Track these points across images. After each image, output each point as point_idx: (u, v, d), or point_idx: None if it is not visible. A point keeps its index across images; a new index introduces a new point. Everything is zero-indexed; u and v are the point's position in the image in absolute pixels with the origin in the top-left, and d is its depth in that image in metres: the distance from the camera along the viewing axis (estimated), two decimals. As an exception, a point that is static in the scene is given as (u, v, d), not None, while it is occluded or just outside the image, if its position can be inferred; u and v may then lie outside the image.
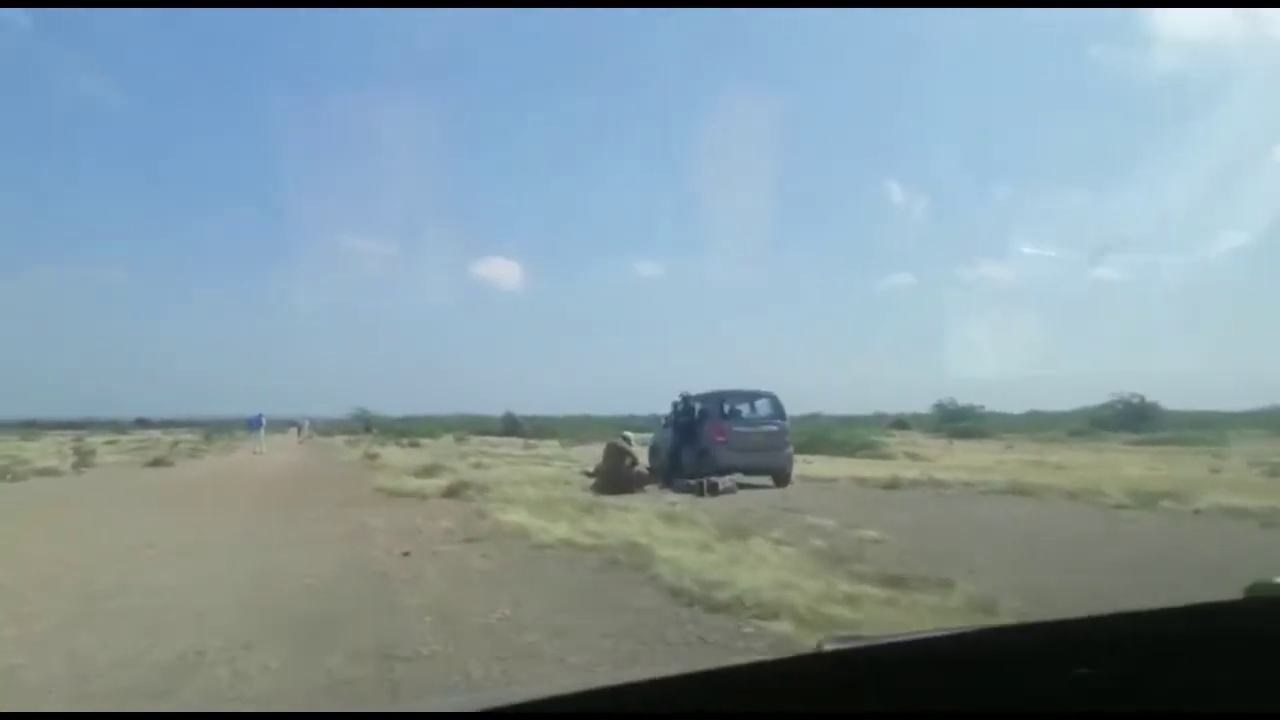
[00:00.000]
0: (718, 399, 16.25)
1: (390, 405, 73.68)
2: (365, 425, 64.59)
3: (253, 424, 36.16)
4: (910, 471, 17.99)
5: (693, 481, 13.92)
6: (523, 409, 67.43)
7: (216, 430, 59.72)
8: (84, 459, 23.08)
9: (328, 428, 69.33)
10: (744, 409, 16.32)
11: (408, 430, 53.20)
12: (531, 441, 41.52)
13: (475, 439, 51.01)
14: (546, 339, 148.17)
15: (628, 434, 15.48)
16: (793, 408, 17.39)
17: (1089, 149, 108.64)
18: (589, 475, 17.83)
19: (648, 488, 14.10)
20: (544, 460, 25.81)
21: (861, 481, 16.06)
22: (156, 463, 24.11)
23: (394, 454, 28.27)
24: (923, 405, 64.66)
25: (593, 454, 27.37)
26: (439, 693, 3.83)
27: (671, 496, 13.19)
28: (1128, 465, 22.31)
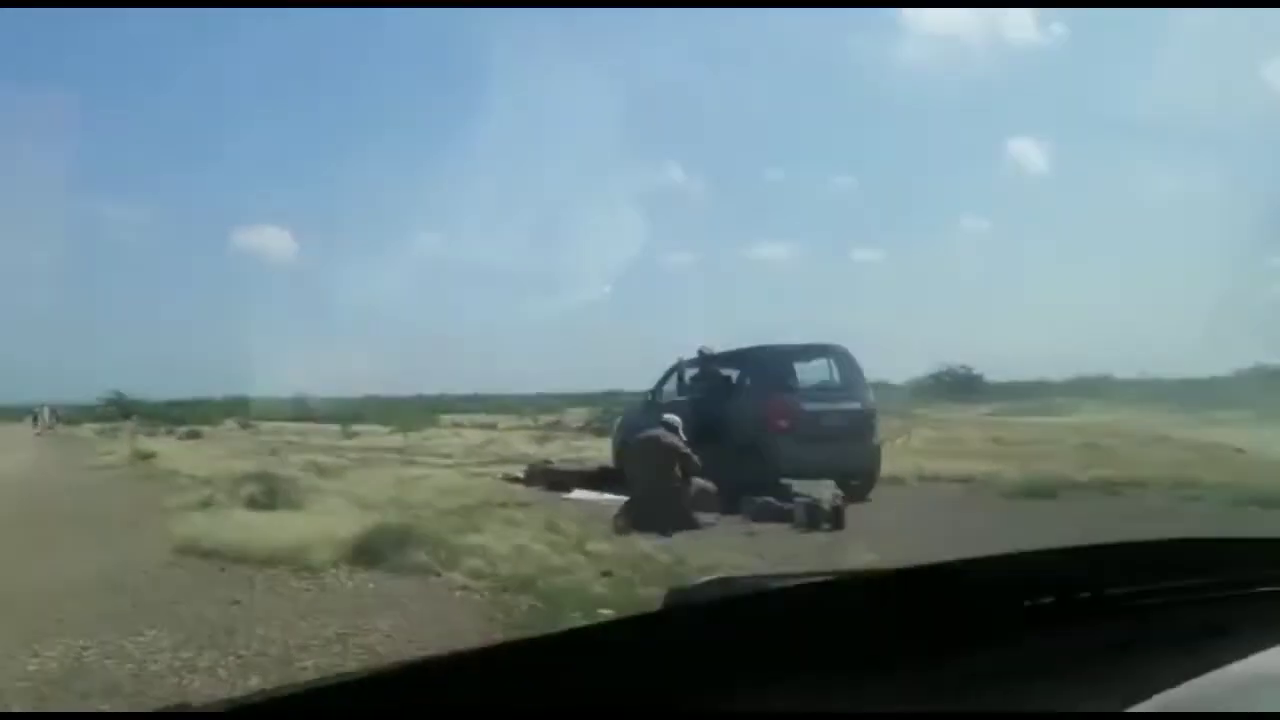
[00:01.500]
0: (771, 359, 10.32)
1: (152, 389, 60.76)
2: (123, 412, 52.69)
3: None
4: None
5: (783, 503, 8.04)
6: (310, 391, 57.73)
7: None
8: None
9: (75, 415, 56.37)
10: (807, 375, 10.49)
11: (180, 416, 43.39)
12: (353, 429, 33.26)
13: (265, 425, 42.03)
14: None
15: (672, 418, 8.81)
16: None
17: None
18: (517, 481, 12.10)
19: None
20: (405, 456, 18.79)
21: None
22: None
23: (174, 450, 19.78)
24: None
25: (475, 446, 21.60)
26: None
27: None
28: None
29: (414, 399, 67.88)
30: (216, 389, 56.56)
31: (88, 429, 44.41)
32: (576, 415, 36.70)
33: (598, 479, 11.00)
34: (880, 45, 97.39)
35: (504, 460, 17.10)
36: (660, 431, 7.99)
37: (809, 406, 9.79)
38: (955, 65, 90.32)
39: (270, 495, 8.64)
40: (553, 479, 11.36)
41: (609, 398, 37.78)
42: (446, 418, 44.25)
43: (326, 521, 7.19)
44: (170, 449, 20.07)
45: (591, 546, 6.20)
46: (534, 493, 10.68)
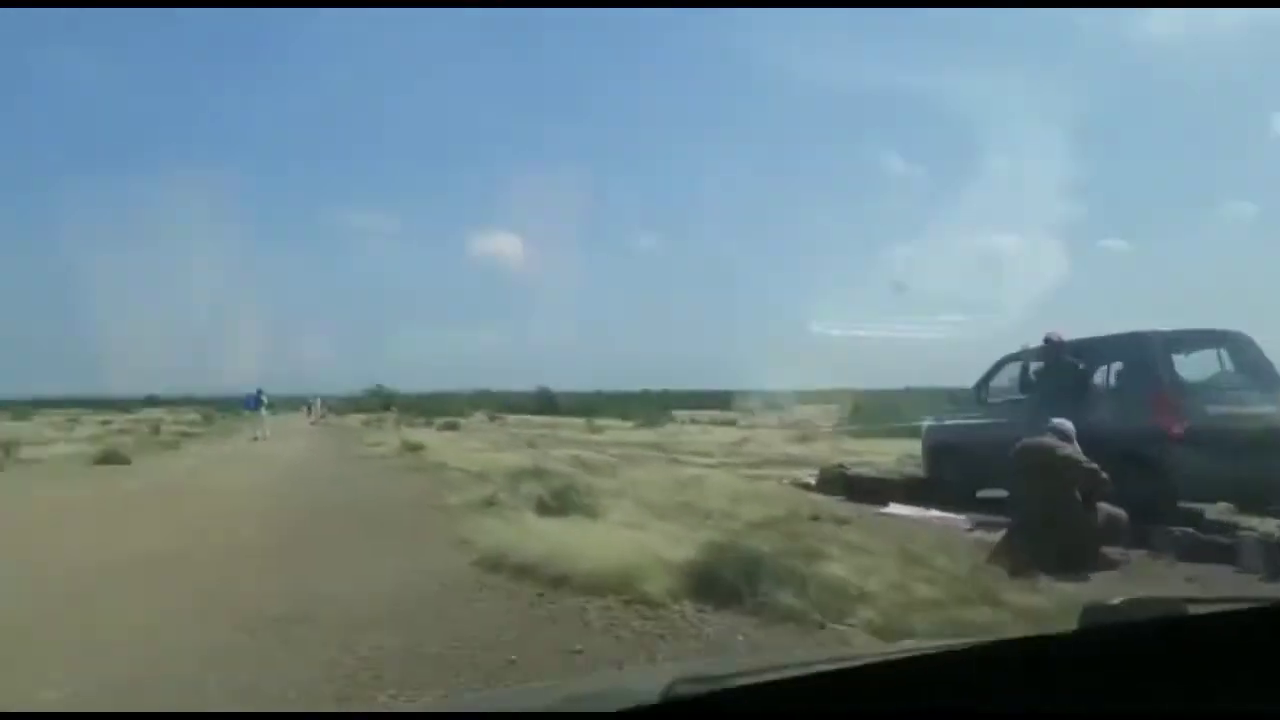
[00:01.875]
0: (1149, 347, 8.14)
1: (405, 381, 65.73)
2: (384, 403, 57.18)
3: (250, 404, 28.28)
4: None
5: (1216, 537, 6.01)
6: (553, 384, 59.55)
7: (224, 409, 52.15)
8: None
9: (341, 406, 62.35)
10: (1206, 369, 8.19)
11: (433, 408, 45.58)
12: (597, 422, 33.44)
13: (511, 418, 43.57)
14: (574, 312, 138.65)
15: (1064, 424, 6.50)
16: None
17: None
18: (808, 488, 10.82)
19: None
20: (664, 453, 17.94)
21: None
22: (106, 459, 16.24)
23: (437, 442, 20.19)
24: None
25: (731, 444, 20.07)
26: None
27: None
28: None
29: (639, 394, 68.91)
30: (457, 383, 59.81)
31: (354, 418, 48.41)
32: (813, 412, 34.64)
33: (916, 491, 9.32)
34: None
35: (768, 460, 15.77)
36: (1052, 440, 6.14)
37: (1213, 408, 7.53)
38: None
39: (559, 498, 7.74)
40: (858, 488, 9.77)
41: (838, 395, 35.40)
42: (680, 413, 43.90)
43: (637, 536, 6.08)
44: (433, 440, 20.59)
45: (1004, 594, 4.59)
46: (837, 503, 9.17)
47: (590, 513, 7.32)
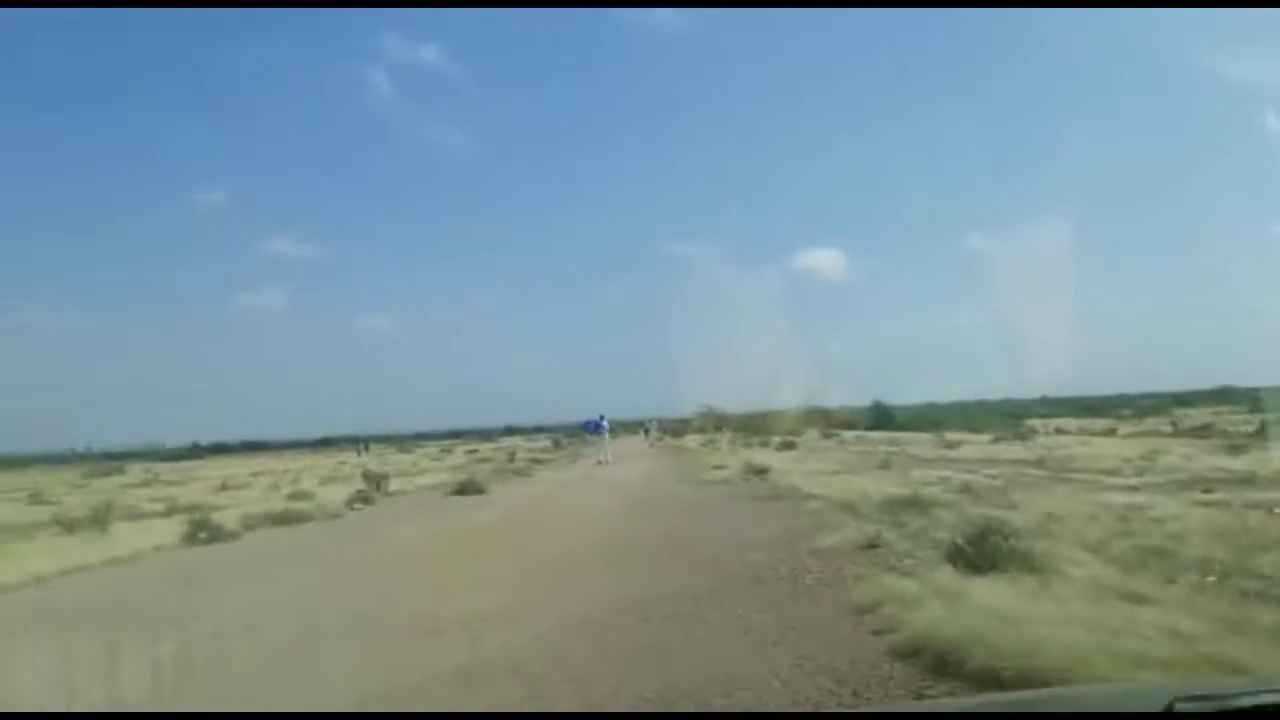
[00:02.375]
0: None
1: (731, 400, 65.13)
2: (715, 423, 57.59)
3: (591, 428, 29.61)
4: None
5: None
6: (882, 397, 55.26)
7: (569, 435, 55.60)
8: (371, 488, 16.64)
9: (673, 427, 63.93)
10: None
11: (762, 426, 43.94)
12: (947, 435, 30.05)
13: (847, 434, 41.18)
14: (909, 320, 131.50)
15: None
16: None
17: None
18: None
19: None
20: (1051, 472, 14.83)
21: None
22: (463, 489, 16.99)
23: (779, 463, 18.78)
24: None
25: (1134, 459, 15.88)
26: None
27: None
28: None
29: (974, 404, 62.33)
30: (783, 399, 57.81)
31: (689, 439, 48.97)
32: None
33: None
34: None
35: (1201, 479, 12.21)
36: None
37: None
38: None
39: (978, 544, 5.76)
40: None
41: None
42: (1034, 422, 38.64)
43: (1145, 614, 4.04)
44: (775, 461, 19.24)
45: None
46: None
47: (1032, 567, 5.31)
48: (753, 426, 45.95)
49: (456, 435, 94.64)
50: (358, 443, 70.74)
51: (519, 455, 33.81)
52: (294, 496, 16.11)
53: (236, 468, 40.76)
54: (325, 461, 44.99)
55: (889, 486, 10.94)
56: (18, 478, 42.81)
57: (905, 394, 54.73)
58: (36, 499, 21.71)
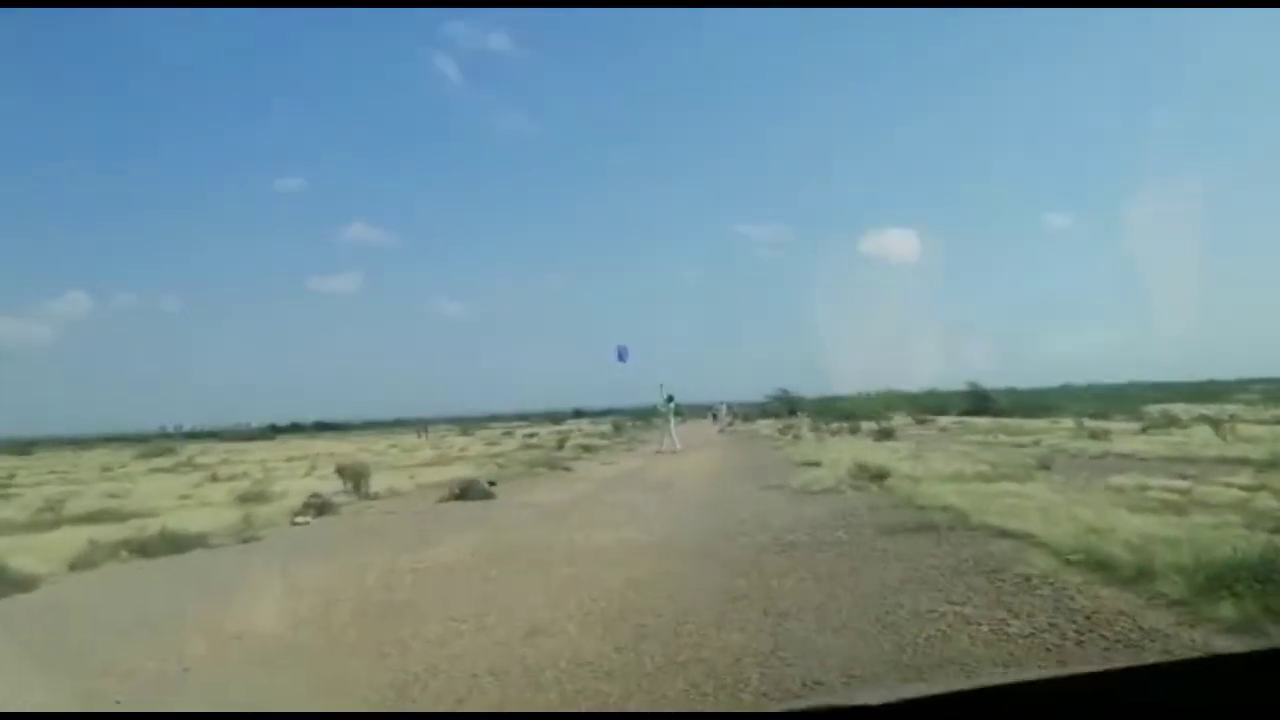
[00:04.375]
0: None
1: (803, 384, 59.79)
2: (789, 408, 52.95)
3: (660, 410, 24.89)
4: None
5: None
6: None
7: (639, 417, 54.23)
8: (350, 488, 12.68)
9: (746, 411, 60.59)
10: None
11: (838, 411, 39.32)
12: (1088, 424, 24.39)
13: (942, 420, 36.10)
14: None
15: None
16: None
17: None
18: None
19: None
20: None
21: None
22: (463, 494, 12.67)
23: (887, 459, 13.85)
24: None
25: None
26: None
27: None
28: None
29: (1058, 389, 56.23)
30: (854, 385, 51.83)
31: (762, 424, 44.78)
32: None
33: None
34: None
35: None
36: None
37: None
38: None
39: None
40: None
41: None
42: (1165, 408, 32.71)
43: None
44: (878, 456, 14.42)
45: None
46: None
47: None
48: (830, 411, 40.77)
49: (525, 417, 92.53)
50: (425, 425, 70.81)
51: (570, 441, 29.77)
52: (245, 498, 12.27)
53: (285, 451, 38.97)
54: (378, 444, 42.30)
55: (1137, 516, 6.21)
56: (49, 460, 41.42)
57: (991, 379, 47.94)
58: None
